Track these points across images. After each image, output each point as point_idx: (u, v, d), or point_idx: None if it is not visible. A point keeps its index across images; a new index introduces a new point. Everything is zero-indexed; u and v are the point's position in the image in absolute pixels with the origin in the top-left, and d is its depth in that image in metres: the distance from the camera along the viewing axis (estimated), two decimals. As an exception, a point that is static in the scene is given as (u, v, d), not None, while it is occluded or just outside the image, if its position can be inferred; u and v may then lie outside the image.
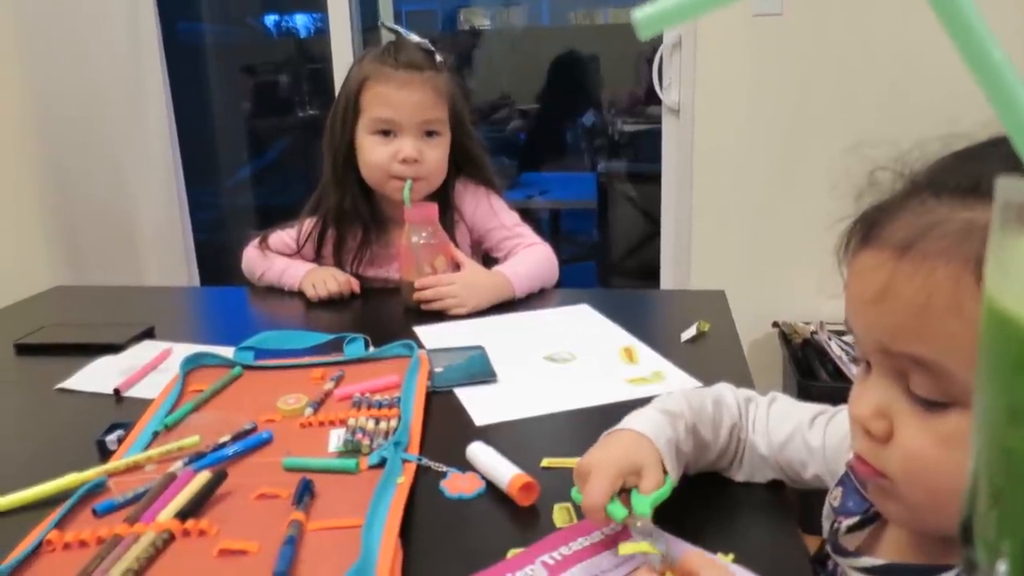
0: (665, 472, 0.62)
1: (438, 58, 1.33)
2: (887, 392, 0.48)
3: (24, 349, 1.13)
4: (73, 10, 2.21)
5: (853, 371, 1.79)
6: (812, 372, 1.87)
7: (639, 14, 0.27)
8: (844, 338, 1.90)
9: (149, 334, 1.17)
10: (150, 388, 0.97)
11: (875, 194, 0.50)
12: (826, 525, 0.63)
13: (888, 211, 0.48)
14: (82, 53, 2.23)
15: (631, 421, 0.66)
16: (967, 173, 0.44)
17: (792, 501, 0.69)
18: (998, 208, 0.24)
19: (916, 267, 0.44)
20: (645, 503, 0.59)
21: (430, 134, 1.32)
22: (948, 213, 0.44)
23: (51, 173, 2.34)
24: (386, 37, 1.39)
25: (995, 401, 0.26)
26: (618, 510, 0.59)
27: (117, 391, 0.96)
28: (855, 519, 0.59)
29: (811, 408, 0.71)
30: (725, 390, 0.74)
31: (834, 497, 0.62)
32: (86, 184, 2.33)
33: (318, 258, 1.41)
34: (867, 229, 0.49)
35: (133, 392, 0.97)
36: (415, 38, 1.34)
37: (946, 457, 0.45)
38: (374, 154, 1.31)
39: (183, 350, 1.05)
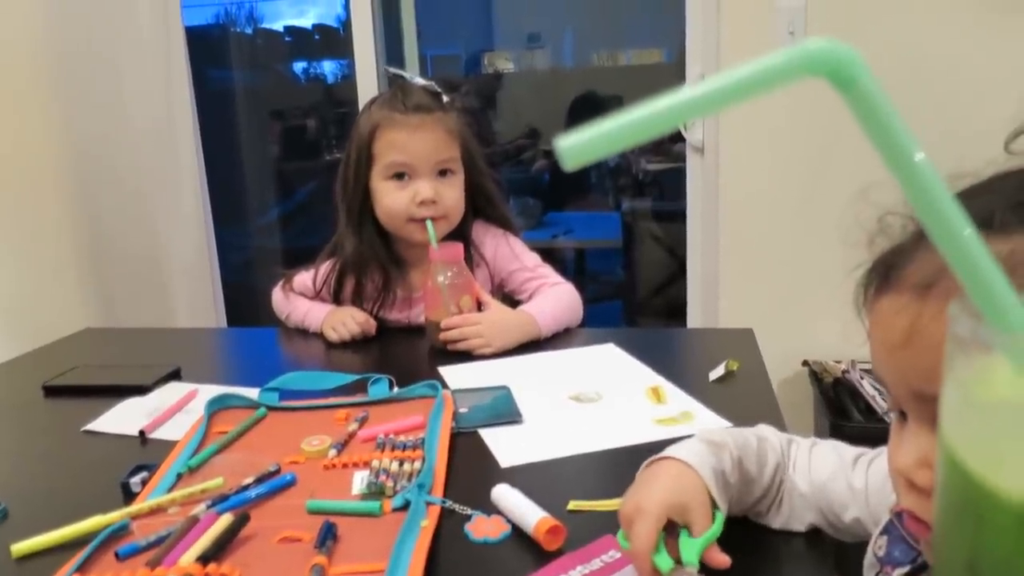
0: (714, 507, 0.61)
1: (445, 98, 1.35)
2: (928, 440, 0.46)
3: (52, 391, 1.14)
4: (108, 58, 2.27)
5: (886, 409, 1.75)
6: (844, 412, 1.82)
7: (565, 144, 0.24)
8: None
9: (176, 376, 1.18)
10: (175, 429, 0.97)
11: (886, 239, 0.49)
12: (870, 575, 0.61)
13: (903, 253, 0.47)
14: (116, 99, 2.28)
15: (674, 450, 0.66)
16: (979, 207, 0.44)
17: (829, 548, 0.67)
18: (950, 339, 0.22)
19: (941, 305, 0.43)
20: (693, 550, 0.57)
21: (444, 173, 1.33)
22: None
23: (84, 215, 2.39)
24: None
25: (953, 553, 0.23)
26: (664, 561, 0.57)
27: (142, 433, 0.96)
28: (905, 569, 0.56)
29: (853, 450, 0.70)
30: (767, 430, 0.73)
31: (878, 546, 0.59)
32: (118, 227, 2.37)
33: (337, 303, 1.41)
34: (884, 274, 0.48)
35: (158, 434, 0.97)
36: (420, 81, 1.36)
37: None
38: (392, 200, 1.31)
39: (209, 391, 1.05)
